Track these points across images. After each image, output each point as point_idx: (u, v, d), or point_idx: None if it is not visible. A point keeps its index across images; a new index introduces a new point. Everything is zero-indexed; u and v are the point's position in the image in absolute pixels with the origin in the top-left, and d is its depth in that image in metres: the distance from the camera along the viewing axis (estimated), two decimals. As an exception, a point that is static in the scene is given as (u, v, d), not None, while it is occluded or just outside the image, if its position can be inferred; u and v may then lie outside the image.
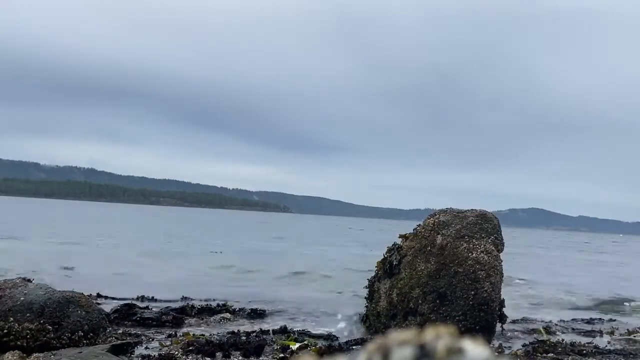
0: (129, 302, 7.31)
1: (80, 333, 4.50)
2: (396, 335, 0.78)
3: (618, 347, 6.53)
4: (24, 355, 4.26)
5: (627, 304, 10.46)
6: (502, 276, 6.03)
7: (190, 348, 5.17)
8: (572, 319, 8.29)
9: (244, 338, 5.73)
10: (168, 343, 5.43)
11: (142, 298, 7.92)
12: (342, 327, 6.90)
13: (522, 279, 13.10)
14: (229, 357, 5.16)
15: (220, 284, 10.19)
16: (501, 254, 6.15)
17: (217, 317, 7.08)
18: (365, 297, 6.83)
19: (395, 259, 6.33)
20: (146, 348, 5.26)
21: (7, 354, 4.25)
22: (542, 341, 6.45)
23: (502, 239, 6.26)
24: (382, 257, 6.60)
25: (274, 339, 5.85)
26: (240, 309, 7.50)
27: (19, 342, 4.31)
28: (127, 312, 6.60)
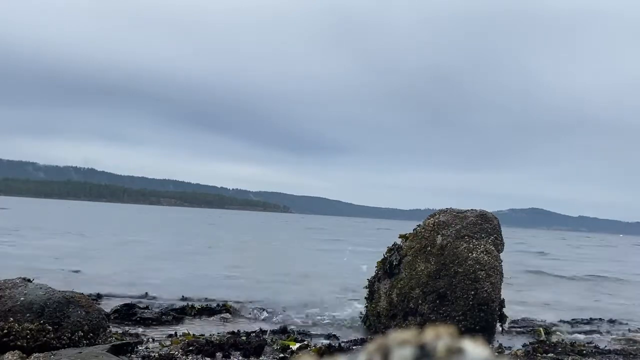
0: (129, 302, 7.31)
1: (80, 333, 4.50)
2: (396, 335, 0.78)
3: (618, 347, 6.53)
4: (24, 355, 4.25)
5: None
6: (502, 276, 6.03)
7: (190, 348, 5.17)
8: (572, 319, 8.29)
9: (244, 338, 5.73)
10: (168, 343, 5.43)
11: (142, 298, 7.93)
12: (342, 327, 6.90)
13: (521, 279, 13.10)
14: (229, 357, 5.16)
15: (220, 284, 10.19)
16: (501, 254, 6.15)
17: (217, 317, 7.08)
18: (365, 297, 6.82)
19: (395, 259, 6.33)
20: (146, 348, 5.25)
21: (7, 354, 4.24)
22: (542, 341, 6.46)
23: (502, 239, 6.26)
24: (382, 257, 6.60)
25: (273, 339, 5.85)
26: (240, 309, 7.51)
27: (19, 342, 4.31)
28: (127, 312, 6.60)
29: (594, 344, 6.55)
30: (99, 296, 7.82)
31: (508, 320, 6.44)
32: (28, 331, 4.33)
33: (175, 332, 6.01)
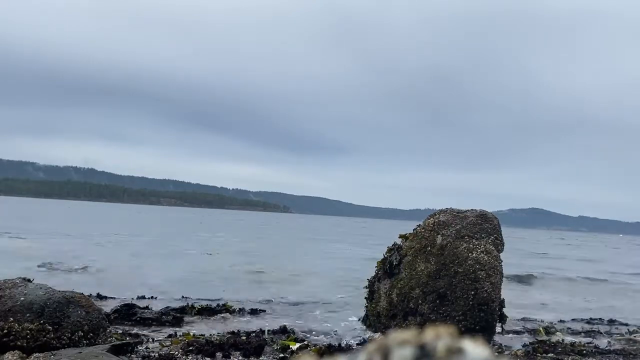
0: (129, 302, 7.31)
1: (80, 333, 4.50)
2: (396, 335, 0.78)
3: (618, 347, 6.53)
4: (24, 355, 4.25)
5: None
6: (502, 276, 6.03)
7: (190, 348, 5.17)
8: (572, 319, 8.29)
9: (244, 338, 5.73)
10: (168, 343, 5.43)
11: (142, 298, 7.93)
12: (342, 327, 6.90)
13: (521, 279, 13.10)
14: (229, 357, 5.16)
15: (220, 283, 10.20)
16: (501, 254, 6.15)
17: (217, 317, 7.09)
18: (365, 297, 6.83)
19: (395, 259, 6.33)
20: (146, 348, 5.26)
21: (7, 354, 4.24)
22: (542, 341, 6.46)
23: (502, 239, 6.26)
24: (382, 257, 6.60)
25: (273, 339, 5.85)
26: (240, 309, 7.51)
27: (19, 342, 4.31)
28: (127, 312, 6.60)
29: (594, 344, 6.55)
30: (99, 296, 7.82)
31: (508, 320, 6.44)
32: (28, 331, 4.33)
33: (175, 332, 6.01)
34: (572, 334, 7.27)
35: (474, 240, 5.97)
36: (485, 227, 6.12)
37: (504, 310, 6.15)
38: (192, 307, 7.31)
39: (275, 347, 5.55)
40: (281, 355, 5.29)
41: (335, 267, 14.07)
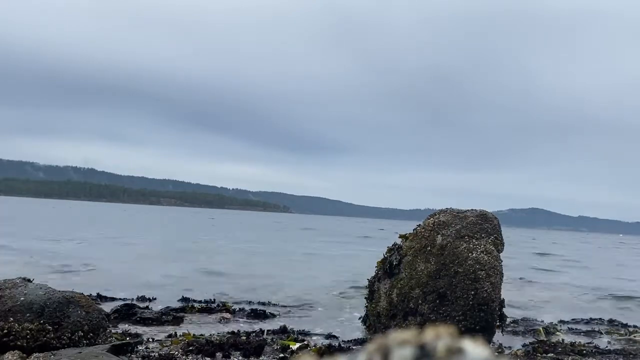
0: (129, 302, 7.31)
1: (80, 333, 4.50)
2: (396, 335, 0.78)
3: (618, 347, 6.53)
4: (24, 355, 4.25)
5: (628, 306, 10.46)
6: (502, 276, 6.03)
7: (190, 348, 5.17)
8: (572, 319, 8.29)
9: (244, 338, 5.73)
10: (168, 343, 5.44)
11: (142, 298, 7.93)
12: (342, 327, 6.90)
13: (522, 279, 13.11)
14: (229, 357, 5.16)
15: (220, 283, 10.19)
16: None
17: (217, 317, 7.09)
18: (365, 297, 6.82)
19: (395, 259, 6.32)
20: (146, 348, 5.26)
21: (7, 354, 4.24)
22: (542, 341, 6.46)
23: (502, 239, 6.26)
24: (382, 257, 6.60)
25: (273, 339, 5.85)
26: (240, 309, 7.51)
27: (19, 342, 4.31)
28: (127, 312, 6.61)
29: (594, 344, 6.55)
30: (99, 296, 7.82)
31: (508, 320, 6.44)
32: (28, 331, 4.33)
33: (175, 332, 6.01)
34: (572, 334, 7.27)
35: (474, 240, 5.97)
36: (485, 227, 6.12)
37: (504, 310, 6.15)
38: (192, 307, 7.31)
39: (275, 347, 5.55)
40: (281, 355, 5.29)
41: (335, 267, 14.07)
